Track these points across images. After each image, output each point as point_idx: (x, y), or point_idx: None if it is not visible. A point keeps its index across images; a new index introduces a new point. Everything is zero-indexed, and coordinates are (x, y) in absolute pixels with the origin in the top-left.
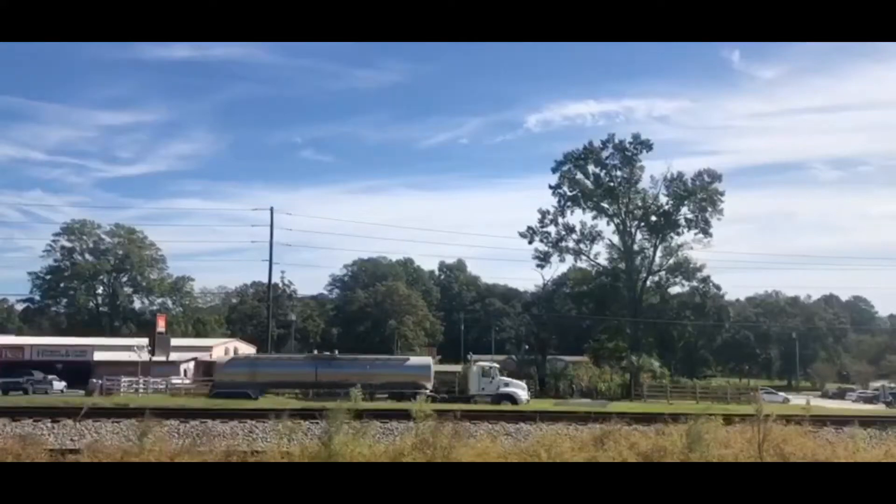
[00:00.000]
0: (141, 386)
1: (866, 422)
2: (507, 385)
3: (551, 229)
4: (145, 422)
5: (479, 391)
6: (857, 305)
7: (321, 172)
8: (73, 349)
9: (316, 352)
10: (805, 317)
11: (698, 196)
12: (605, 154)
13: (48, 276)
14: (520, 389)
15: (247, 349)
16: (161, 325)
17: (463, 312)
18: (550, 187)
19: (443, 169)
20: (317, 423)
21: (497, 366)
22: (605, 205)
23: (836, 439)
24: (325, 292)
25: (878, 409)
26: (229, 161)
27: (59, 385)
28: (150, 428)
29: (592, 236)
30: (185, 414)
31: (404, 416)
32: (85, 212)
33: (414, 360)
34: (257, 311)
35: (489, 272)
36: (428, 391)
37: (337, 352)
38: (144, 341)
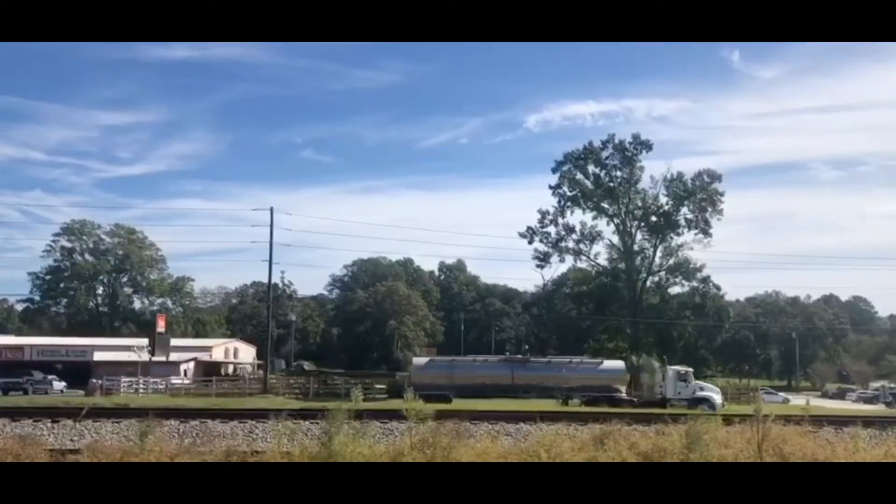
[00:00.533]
0: (141, 386)
1: (866, 422)
2: (702, 389)
3: (551, 229)
4: (145, 422)
5: (675, 395)
6: (857, 305)
7: (321, 172)
8: (73, 349)
9: (507, 354)
10: (805, 317)
11: (698, 196)
12: (605, 154)
13: (48, 277)
14: (715, 393)
15: (247, 349)
16: (161, 326)
17: (463, 312)
18: (550, 187)
19: (443, 169)
20: (317, 423)
21: (692, 370)
22: (605, 205)
23: (836, 439)
24: (325, 292)
25: (878, 409)
26: (229, 161)
27: (59, 385)
28: (150, 428)
29: (592, 236)
30: (185, 414)
31: (404, 416)
32: (85, 212)
33: (608, 363)
34: (257, 311)
35: (489, 272)
36: (623, 394)
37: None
38: (144, 341)
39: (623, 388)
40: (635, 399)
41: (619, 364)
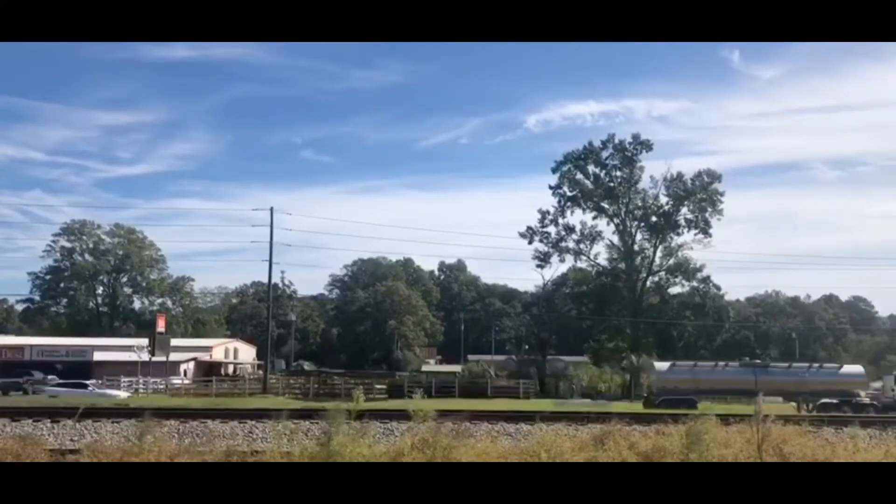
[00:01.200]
0: (141, 386)
1: (866, 422)
2: None
3: (551, 229)
4: (145, 422)
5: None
6: (857, 305)
7: (321, 172)
8: (73, 349)
9: (747, 359)
10: (805, 317)
11: (698, 196)
12: (605, 154)
13: (48, 276)
14: None
15: (247, 349)
16: (161, 326)
17: (463, 312)
18: (550, 187)
19: (443, 169)
20: (316, 423)
21: None
22: (605, 205)
23: (836, 439)
24: (325, 292)
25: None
26: (229, 161)
27: None
28: (149, 428)
29: (592, 236)
30: (185, 414)
31: (404, 416)
32: (85, 212)
33: (848, 368)
34: (257, 311)
35: (489, 272)
36: (865, 399)
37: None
38: (144, 341)
39: (863, 392)
40: (877, 403)
41: (858, 368)
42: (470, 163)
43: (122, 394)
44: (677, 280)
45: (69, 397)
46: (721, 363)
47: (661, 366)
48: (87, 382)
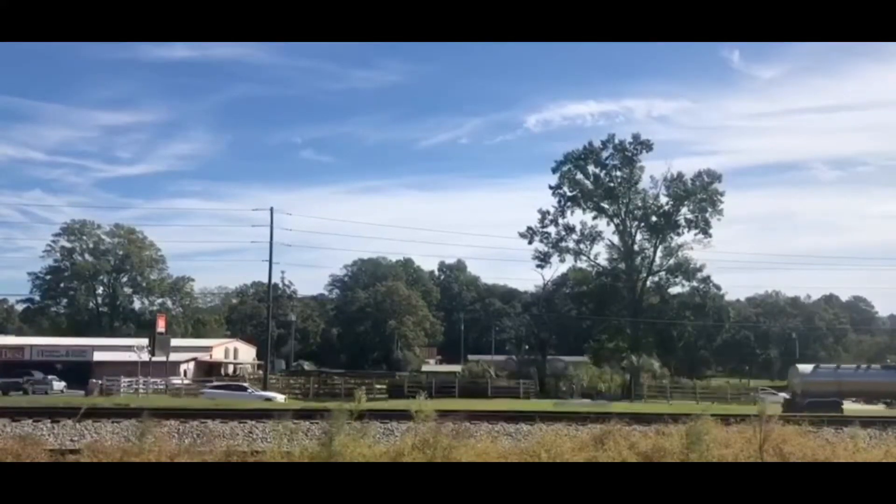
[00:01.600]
0: (141, 386)
1: (866, 422)
2: None
3: (551, 229)
4: (145, 422)
5: None
6: (857, 305)
7: (321, 172)
8: (73, 349)
9: (888, 361)
10: (805, 317)
11: (698, 196)
12: (605, 154)
13: (48, 277)
14: None
15: (247, 349)
16: (161, 326)
17: (463, 312)
18: (550, 187)
19: (443, 169)
20: (317, 423)
21: None
22: (605, 205)
23: (836, 439)
24: (325, 292)
25: (879, 409)
26: (229, 161)
27: (58, 385)
28: (149, 428)
29: (592, 236)
30: (185, 414)
31: (404, 416)
32: (85, 212)
33: None
34: (257, 311)
35: (489, 272)
36: None
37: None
38: (144, 341)
39: None
40: None
41: None
42: (470, 163)
43: (280, 396)
44: (677, 280)
45: (227, 399)
46: (864, 365)
47: (805, 368)
48: (246, 385)
